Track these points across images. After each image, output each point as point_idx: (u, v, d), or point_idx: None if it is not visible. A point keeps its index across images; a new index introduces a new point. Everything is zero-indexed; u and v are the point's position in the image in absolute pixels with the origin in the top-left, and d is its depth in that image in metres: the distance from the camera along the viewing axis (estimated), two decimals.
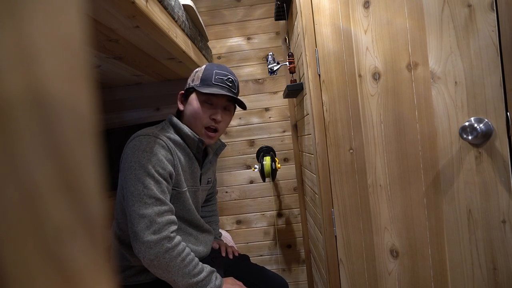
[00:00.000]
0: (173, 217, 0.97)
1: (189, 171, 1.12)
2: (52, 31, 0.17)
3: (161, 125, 1.13)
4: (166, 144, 1.02)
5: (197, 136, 1.10)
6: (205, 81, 1.10)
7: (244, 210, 2.16)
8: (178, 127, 1.10)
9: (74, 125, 0.18)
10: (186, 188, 1.08)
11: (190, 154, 1.12)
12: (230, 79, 1.13)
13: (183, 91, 1.17)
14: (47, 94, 0.16)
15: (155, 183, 0.94)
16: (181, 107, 1.15)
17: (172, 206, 0.98)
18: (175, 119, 1.12)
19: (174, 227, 0.95)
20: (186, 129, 1.09)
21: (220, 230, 1.92)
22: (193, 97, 1.11)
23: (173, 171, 1.02)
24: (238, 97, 1.15)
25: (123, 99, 2.11)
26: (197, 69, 1.16)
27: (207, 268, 1.00)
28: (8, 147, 0.15)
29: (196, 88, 1.09)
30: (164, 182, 0.97)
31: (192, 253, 0.98)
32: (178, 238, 0.95)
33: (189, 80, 1.15)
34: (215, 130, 1.12)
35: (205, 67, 1.14)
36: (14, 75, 0.15)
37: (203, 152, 1.19)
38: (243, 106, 1.17)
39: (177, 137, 1.09)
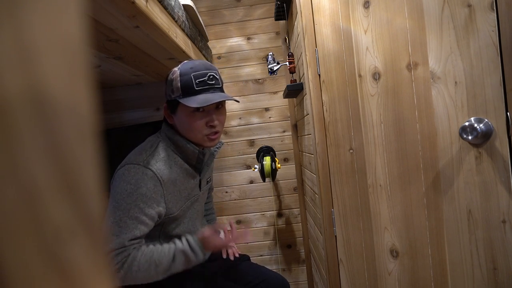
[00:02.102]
0: (126, 252, 0.93)
1: (187, 186, 1.08)
2: (52, 31, 0.17)
3: (157, 140, 1.06)
4: (156, 174, 0.96)
5: (197, 149, 1.04)
6: (186, 89, 0.99)
7: (244, 210, 2.16)
8: (175, 141, 1.04)
9: (74, 125, 0.18)
10: (178, 211, 1.05)
11: (188, 168, 1.07)
12: (211, 76, 1.02)
13: (166, 104, 1.07)
14: (47, 94, 0.16)
15: (128, 219, 0.92)
16: (170, 121, 1.07)
17: (129, 248, 0.94)
18: (171, 133, 1.05)
19: (123, 256, 0.92)
20: (184, 142, 1.03)
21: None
22: (180, 110, 1.02)
23: (160, 201, 0.98)
24: (227, 95, 1.06)
25: (123, 99, 2.11)
26: (171, 77, 1.04)
27: (170, 249, 0.99)
28: (8, 147, 0.15)
29: (181, 101, 0.99)
30: (142, 217, 0.94)
31: (150, 250, 0.96)
32: (129, 259, 0.92)
33: (168, 92, 1.04)
34: (216, 132, 1.06)
35: (179, 72, 1.02)
36: (14, 75, 0.15)
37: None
38: (236, 100, 1.09)
39: (172, 154, 1.04)
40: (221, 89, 1.05)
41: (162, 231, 1.07)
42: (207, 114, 1.02)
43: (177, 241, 1.01)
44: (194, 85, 0.99)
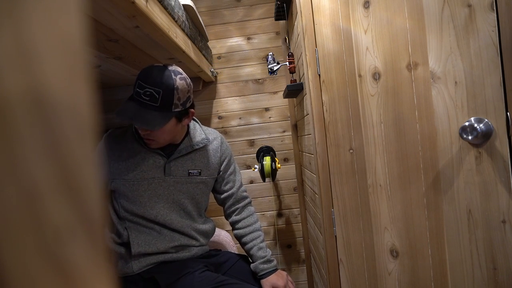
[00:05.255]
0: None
1: (140, 163, 1.12)
2: (52, 31, 0.17)
3: None
4: (105, 140, 1.17)
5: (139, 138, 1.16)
6: (133, 89, 1.05)
7: None
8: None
9: (74, 125, 0.18)
10: (123, 182, 1.11)
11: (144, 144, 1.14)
12: (147, 93, 0.99)
13: None
14: (47, 94, 0.16)
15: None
16: None
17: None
18: None
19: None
20: (134, 129, 1.17)
21: (220, 230, 1.90)
22: None
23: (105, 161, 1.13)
24: (145, 119, 1.00)
25: (123, 99, 2.10)
26: None
27: None
28: (8, 147, 0.15)
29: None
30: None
31: None
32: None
33: None
34: (148, 139, 1.09)
35: (140, 71, 1.05)
36: (14, 75, 0.15)
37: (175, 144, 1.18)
38: (150, 126, 1.01)
39: (134, 130, 1.16)
40: (157, 108, 1.01)
41: (120, 204, 1.12)
42: None
43: None
44: (133, 91, 1.05)
